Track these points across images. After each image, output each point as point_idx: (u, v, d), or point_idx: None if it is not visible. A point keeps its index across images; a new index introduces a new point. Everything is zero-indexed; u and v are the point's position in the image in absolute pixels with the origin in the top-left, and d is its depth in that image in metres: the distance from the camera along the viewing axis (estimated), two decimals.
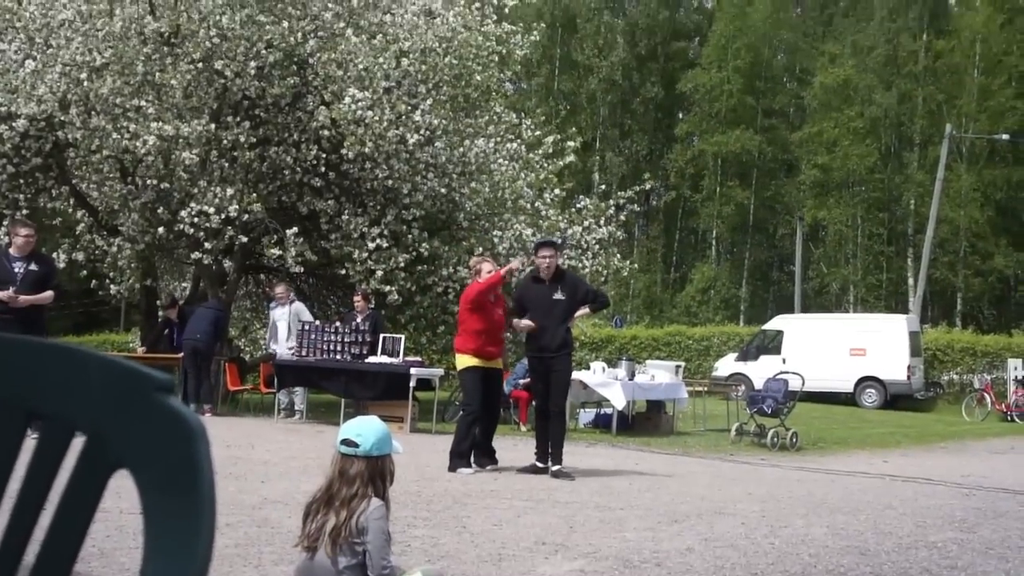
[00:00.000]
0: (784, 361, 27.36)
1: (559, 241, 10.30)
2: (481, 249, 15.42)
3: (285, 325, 16.07)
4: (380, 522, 3.71)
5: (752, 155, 50.80)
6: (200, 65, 15.78)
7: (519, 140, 19.87)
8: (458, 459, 10.14)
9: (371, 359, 14.58)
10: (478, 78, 18.33)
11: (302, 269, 16.81)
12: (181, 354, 16.15)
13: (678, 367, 17.91)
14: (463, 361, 10.43)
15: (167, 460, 1.06)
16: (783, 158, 52.89)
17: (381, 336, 14.92)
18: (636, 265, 28.23)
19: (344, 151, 15.94)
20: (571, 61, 53.95)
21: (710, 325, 40.17)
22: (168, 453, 1.06)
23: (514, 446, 12.80)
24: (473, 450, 10.30)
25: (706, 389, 20.42)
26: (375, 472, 3.75)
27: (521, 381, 15.74)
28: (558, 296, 10.08)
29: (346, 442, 3.76)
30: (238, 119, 16.14)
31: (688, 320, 45.43)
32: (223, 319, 16.92)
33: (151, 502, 1.07)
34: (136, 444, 1.08)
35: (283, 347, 15.99)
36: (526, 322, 10.09)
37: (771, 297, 53.09)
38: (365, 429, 3.79)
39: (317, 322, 15.75)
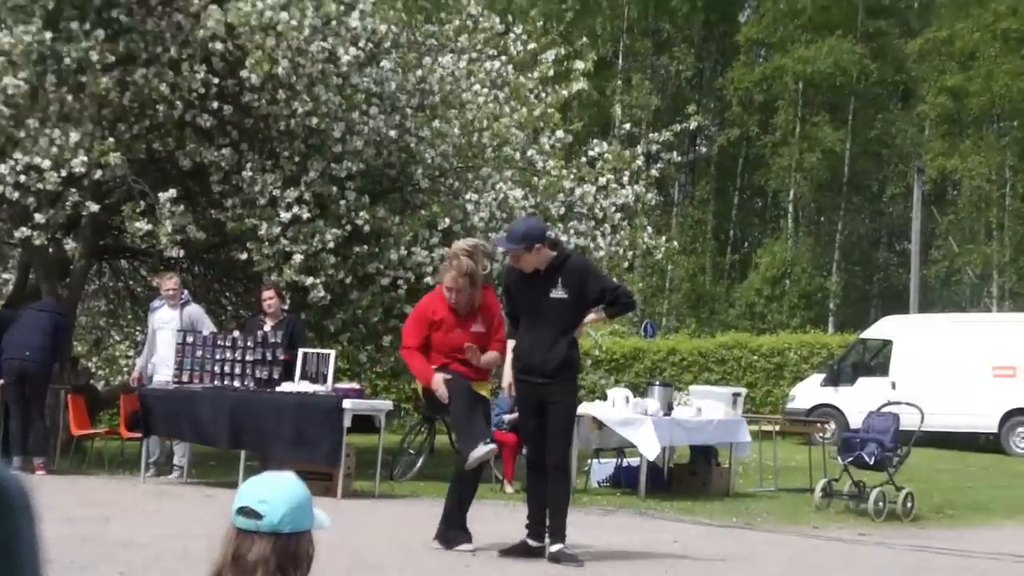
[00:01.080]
0: (894, 386, 27.41)
1: (523, 236, 10.12)
2: (470, 244, 15.32)
3: (170, 336, 15.94)
4: None
5: (850, 75, 50.84)
6: None
7: (504, 57, 19.84)
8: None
9: (286, 386, 14.58)
10: None
11: (182, 252, 16.76)
12: (0, 381, 16.10)
13: (736, 396, 17.97)
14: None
15: None
16: (895, 79, 52.90)
17: (300, 352, 14.90)
18: (676, 243, 28.13)
19: (246, 74, 15.90)
20: None
21: (784, 332, 40.21)
22: None
23: (496, 516, 12.83)
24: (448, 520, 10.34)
25: (778, 428, 20.47)
26: (286, 557, 3.70)
27: (507, 418, 15.76)
28: (557, 294, 9.97)
29: (244, 511, 3.70)
30: (86, 26, 16.06)
31: (752, 325, 45.45)
32: (64, 328, 16.84)
33: None
34: None
35: (163, 372, 15.98)
36: (507, 376, 10.20)
37: (875, 290, 53.19)
38: (273, 492, 3.74)
39: (206, 332, 15.70)
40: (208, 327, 16.12)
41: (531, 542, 10.22)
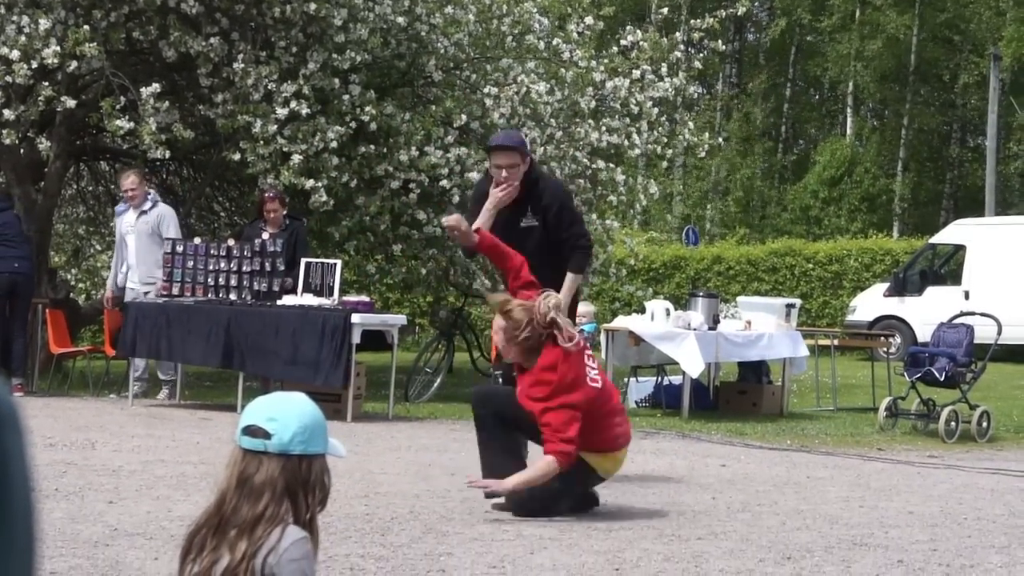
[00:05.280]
0: (967, 296, 27.33)
1: (520, 143, 9.61)
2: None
3: (141, 241, 15.91)
4: (300, 564, 3.69)
5: None
6: None
7: None
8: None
9: (287, 300, 14.60)
10: None
11: (168, 153, 16.76)
12: None
13: (790, 307, 17.96)
14: None
15: None
16: None
17: (303, 262, 14.90)
18: (721, 140, 28.08)
19: None
20: None
21: (843, 238, 40.06)
22: None
23: None
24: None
25: (837, 342, 20.47)
26: (296, 481, 3.72)
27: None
28: (528, 221, 9.58)
29: (251, 431, 3.72)
30: None
31: (807, 230, 45.27)
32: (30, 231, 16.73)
33: None
34: None
35: (133, 280, 16.00)
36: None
37: (946, 189, 52.87)
38: (283, 411, 3.76)
39: (198, 240, 15.69)
40: (174, 231, 15.89)
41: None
